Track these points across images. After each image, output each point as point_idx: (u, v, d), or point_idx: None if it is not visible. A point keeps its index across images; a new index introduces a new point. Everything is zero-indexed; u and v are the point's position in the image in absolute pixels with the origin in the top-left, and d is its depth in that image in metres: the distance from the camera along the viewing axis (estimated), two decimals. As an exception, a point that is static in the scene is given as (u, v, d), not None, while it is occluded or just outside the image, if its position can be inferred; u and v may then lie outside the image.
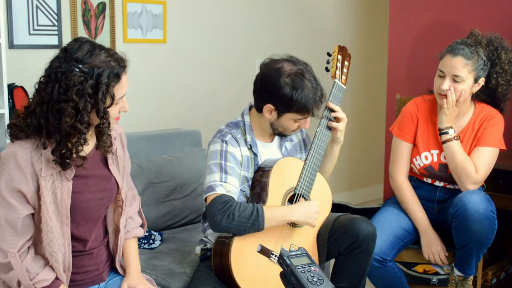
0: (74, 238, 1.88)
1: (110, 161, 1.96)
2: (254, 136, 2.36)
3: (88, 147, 1.89)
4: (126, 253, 2.08)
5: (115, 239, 2.04)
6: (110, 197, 1.97)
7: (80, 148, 1.78)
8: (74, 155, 1.79)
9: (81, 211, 1.88)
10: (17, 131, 1.78)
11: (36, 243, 1.85)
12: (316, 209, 2.29)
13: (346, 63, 2.51)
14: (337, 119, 2.40)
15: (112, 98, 1.79)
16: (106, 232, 2.04)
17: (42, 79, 1.78)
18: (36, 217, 1.82)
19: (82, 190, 1.87)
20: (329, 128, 2.39)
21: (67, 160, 1.78)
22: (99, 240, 1.99)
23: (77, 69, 1.73)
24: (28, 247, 1.83)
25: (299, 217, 2.25)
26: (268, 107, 2.27)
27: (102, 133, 1.85)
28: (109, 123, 1.82)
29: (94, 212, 1.93)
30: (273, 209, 2.22)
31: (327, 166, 2.50)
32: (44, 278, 1.83)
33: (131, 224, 2.12)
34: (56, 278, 1.86)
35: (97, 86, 1.74)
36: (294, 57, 2.31)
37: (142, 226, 2.19)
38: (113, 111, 1.83)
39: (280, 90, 2.22)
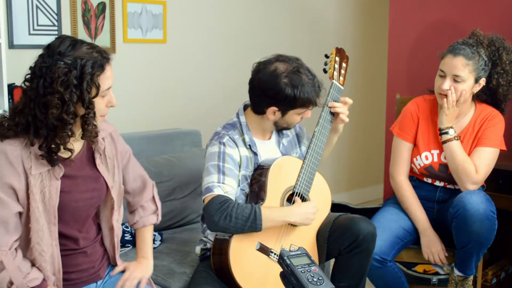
0: (64, 236, 1.88)
1: (98, 161, 1.97)
2: (252, 135, 2.36)
3: (77, 147, 1.90)
4: (137, 242, 2.14)
5: (111, 237, 2.04)
6: (99, 197, 1.97)
7: (67, 139, 1.79)
8: (62, 148, 1.79)
9: (70, 211, 1.88)
10: (5, 130, 1.79)
11: (22, 246, 1.84)
12: (314, 210, 2.29)
13: (344, 64, 2.51)
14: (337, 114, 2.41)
15: (98, 88, 1.79)
16: (99, 229, 2.04)
17: (27, 77, 1.79)
18: (24, 217, 1.82)
19: (71, 190, 1.87)
20: (327, 127, 2.40)
21: (54, 156, 1.79)
22: (92, 238, 1.99)
23: (61, 62, 1.74)
24: (16, 248, 1.82)
25: (297, 218, 2.26)
26: (272, 109, 2.29)
27: (88, 123, 1.84)
28: (94, 113, 1.82)
29: (83, 212, 1.93)
30: (271, 210, 2.22)
31: (325, 153, 2.49)
32: (36, 276, 1.82)
33: (140, 214, 2.14)
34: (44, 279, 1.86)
35: (81, 76, 1.75)
36: (283, 55, 2.33)
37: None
38: (100, 104, 1.84)
39: (281, 92, 2.24)
